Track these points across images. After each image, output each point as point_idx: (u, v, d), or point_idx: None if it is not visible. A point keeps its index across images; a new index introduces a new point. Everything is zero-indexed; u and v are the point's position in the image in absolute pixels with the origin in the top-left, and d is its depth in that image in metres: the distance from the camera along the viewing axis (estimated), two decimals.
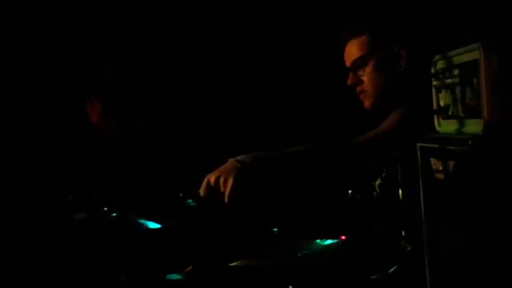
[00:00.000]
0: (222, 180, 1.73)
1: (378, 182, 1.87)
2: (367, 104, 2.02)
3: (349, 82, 2.04)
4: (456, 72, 1.42)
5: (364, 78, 2.01)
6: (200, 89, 2.65)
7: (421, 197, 1.52)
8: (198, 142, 2.43)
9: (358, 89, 2.03)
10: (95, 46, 2.55)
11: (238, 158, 1.77)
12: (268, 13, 2.68)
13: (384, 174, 1.88)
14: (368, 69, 2.00)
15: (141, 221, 1.78)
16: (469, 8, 2.19)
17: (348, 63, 2.05)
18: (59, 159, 2.42)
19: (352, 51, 2.03)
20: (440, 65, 1.49)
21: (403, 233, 1.67)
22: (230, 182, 1.71)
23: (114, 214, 1.77)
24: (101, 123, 2.38)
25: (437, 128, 1.51)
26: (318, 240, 1.86)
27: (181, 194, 1.76)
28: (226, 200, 1.71)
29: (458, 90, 1.42)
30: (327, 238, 1.87)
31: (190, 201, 1.77)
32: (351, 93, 2.04)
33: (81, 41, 2.53)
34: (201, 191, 1.74)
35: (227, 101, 2.66)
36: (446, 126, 1.48)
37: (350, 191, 1.79)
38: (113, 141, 2.39)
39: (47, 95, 2.54)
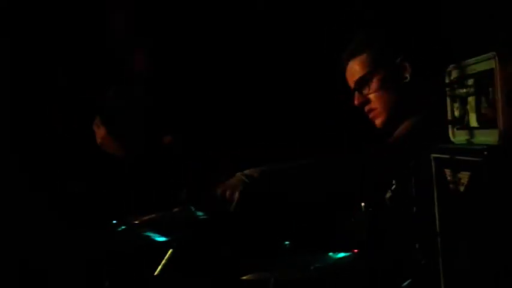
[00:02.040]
0: (228, 194, 1.74)
1: (388, 195, 1.87)
2: (378, 122, 2.02)
3: (356, 103, 2.04)
4: (471, 81, 1.42)
5: (371, 96, 2.01)
6: (202, 97, 2.66)
7: (436, 209, 1.52)
8: (203, 153, 2.43)
9: (367, 108, 2.03)
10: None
11: (245, 172, 1.78)
12: (268, 13, 2.69)
13: (393, 187, 1.88)
14: (373, 86, 2.00)
15: (149, 234, 1.79)
16: (473, 13, 2.19)
17: (351, 83, 2.05)
18: (58, 160, 2.45)
19: (354, 70, 2.03)
20: (455, 74, 1.49)
21: (417, 246, 1.66)
22: (236, 196, 1.73)
23: (122, 227, 1.78)
24: (105, 145, 2.40)
25: (452, 139, 1.52)
26: (331, 253, 1.87)
27: (192, 208, 1.76)
28: (232, 210, 1.73)
29: (473, 100, 1.42)
30: (340, 251, 1.87)
31: (201, 214, 1.77)
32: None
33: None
34: (208, 202, 1.77)
35: (227, 105, 2.67)
36: (460, 137, 1.49)
37: (363, 204, 1.79)
38: (117, 163, 2.42)
39: (47, 94, 2.56)
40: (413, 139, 1.83)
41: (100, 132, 2.37)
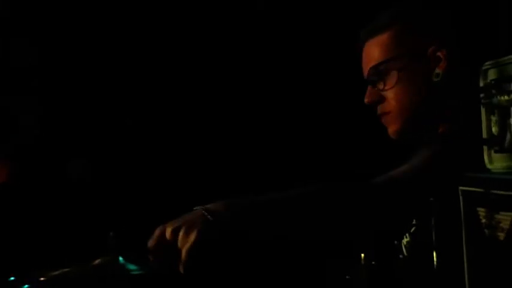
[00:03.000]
0: (182, 232, 1.35)
1: (405, 240, 1.54)
2: (392, 130, 1.67)
3: (366, 99, 1.70)
4: None
5: (388, 93, 1.65)
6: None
7: (465, 261, 1.25)
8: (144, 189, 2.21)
9: (380, 109, 1.68)
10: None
11: (207, 206, 1.39)
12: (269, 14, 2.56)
13: (413, 229, 1.55)
14: (392, 80, 1.64)
15: None
16: None
17: (365, 72, 1.71)
18: None
19: (372, 54, 1.68)
20: (493, 75, 1.23)
21: None
22: (193, 237, 1.32)
23: (25, 286, 1.45)
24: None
25: (488, 165, 1.26)
26: None
27: (121, 258, 1.41)
28: (183, 259, 1.33)
29: None
30: None
31: (134, 267, 1.42)
32: (367, 111, 1.71)
33: None
34: (151, 243, 1.38)
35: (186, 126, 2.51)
36: (500, 163, 1.24)
37: (363, 255, 1.45)
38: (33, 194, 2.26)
39: None
40: (438, 172, 1.49)
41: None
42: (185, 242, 1.33)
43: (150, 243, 1.36)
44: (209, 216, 1.34)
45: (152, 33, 2.59)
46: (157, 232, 1.37)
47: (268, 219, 1.41)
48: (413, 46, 1.64)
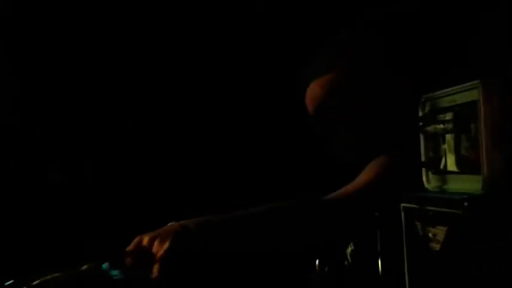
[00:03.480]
0: (157, 242, 1.54)
1: (349, 249, 1.67)
2: (346, 158, 1.78)
3: (316, 131, 1.82)
4: (449, 115, 1.28)
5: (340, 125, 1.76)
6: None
7: (405, 271, 1.37)
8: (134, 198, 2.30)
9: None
10: None
11: (181, 222, 1.60)
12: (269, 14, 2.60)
13: (356, 240, 1.67)
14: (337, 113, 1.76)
15: None
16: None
17: (310, 109, 1.81)
18: None
19: (315, 93, 1.78)
20: (429, 106, 1.35)
21: None
22: (166, 245, 1.52)
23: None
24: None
25: (426, 185, 1.37)
26: None
27: (104, 265, 1.55)
28: (157, 267, 1.51)
29: (451, 138, 1.29)
30: None
31: (116, 273, 1.56)
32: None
33: None
34: (130, 248, 1.56)
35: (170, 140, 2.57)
36: (436, 183, 1.35)
37: (317, 262, 1.59)
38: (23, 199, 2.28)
39: None
40: (382, 189, 1.62)
41: None
42: (159, 249, 1.53)
43: (129, 248, 1.55)
44: (180, 230, 1.53)
45: (152, 32, 2.61)
46: (136, 239, 1.57)
47: (226, 235, 1.62)
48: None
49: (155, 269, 1.52)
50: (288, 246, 1.65)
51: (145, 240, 1.55)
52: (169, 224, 1.60)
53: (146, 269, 1.52)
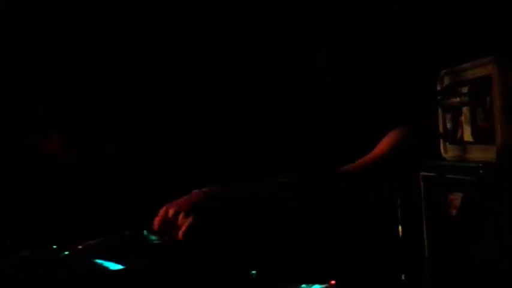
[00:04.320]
0: (181, 216, 1.61)
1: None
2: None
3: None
4: (465, 89, 1.35)
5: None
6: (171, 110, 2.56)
7: (424, 235, 1.44)
8: (166, 171, 2.34)
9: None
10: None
11: (204, 190, 1.65)
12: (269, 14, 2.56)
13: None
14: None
15: (99, 261, 1.67)
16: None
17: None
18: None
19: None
20: (447, 81, 1.41)
21: (403, 277, 1.57)
22: (189, 220, 1.59)
23: (65, 253, 1.66)
24: (60, 153, 2.30)
25: (443, 155, 1.44)
26: (304, 285, 1.77)
27: (145, 231, 1.65)
28: (182, 233, 1.60)
29: (467, 110, 1.35)
30: (314, 282, 1.77)
31: (155, 238, 1.65)
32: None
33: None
34: (155, 222, 1.64)
35: (199, 122, 2.55)
36: (453, 152, 1.41)
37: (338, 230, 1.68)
38: (72, 172, 2.31)
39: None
40: (401, 159, 1.71)
41: (52, 141, 2.27)
42: (183, 223, 1.60)
43: (156, 218, 1.64)
44: (204, 201, 1.60)
45: (152, 31, 2.53)
46: (162, 210, 1.64)
47: (259, 203, 1.66)
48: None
49: (180, 237, 1.60)
50: (316, 218, 1.72)
51: (171, 212, 1.62)
52: (193, 191, 1.65)
53: (172, 237, 1.61)
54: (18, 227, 1.95)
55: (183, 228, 1.60)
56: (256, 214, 1.69)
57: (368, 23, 2.03)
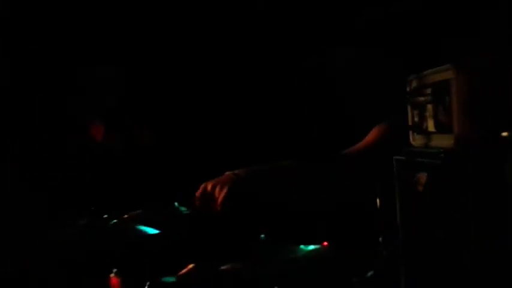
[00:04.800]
0: (217, 189, 1.71)
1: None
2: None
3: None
4: (429, 90, 1.37)
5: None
6: (196, 103, 2.56)
7: (397, 206, 1.48)
8: (195, 155, 2.38)
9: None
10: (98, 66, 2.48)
11: (234, 171, 1.77)
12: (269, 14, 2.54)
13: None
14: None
15: (140, 227, 1.74)
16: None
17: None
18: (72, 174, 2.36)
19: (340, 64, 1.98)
20: (415, 84, 1.44)
21: (380, 239, 1.61)
22: (224, 191, 1.70)
23: (114, 221, 1.73)
24: (105, 140, 2.35)
25: (412, 142, 1.47)
26: (302, 246, 1.82)
27: (176, 203, 1.72)
28: (218, 206, 1.70)
29: (431, 107, 1.38)
30: (310, 244, 1.82)
31: (184, 209, 1.73)
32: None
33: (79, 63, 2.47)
34: (197, 195, 1.73)
35: (222, 116, 2.56)
36: (420, 141, 1.44)
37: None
38: (117, 156, 2.35)
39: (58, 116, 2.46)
40: (384, 146, 1.76)
41: (99, 129, 2.30)
42: (220, 194, 1.70)
43: (197, 192, 1.73)
44: (234, 178, 1.70)
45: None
46: (202, 186, 1.74)
47: (273, 181, 1.76)
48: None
49: (217, 207, 1.69)
50: (316, 192, 1.79)
51: (209, 186, 1.73)
52: (225, 173, 1.76)
53: (210, 208, 1.70)
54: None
55: (220, 198, 1.71)
56: (272, 186, 1.79)
57: (368, 23, 2.04)
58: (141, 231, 1.74)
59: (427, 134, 1.40)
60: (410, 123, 1.46)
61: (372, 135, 1.83)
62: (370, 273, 1.67)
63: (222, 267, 1.69)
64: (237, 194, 1.71)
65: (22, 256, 1.93)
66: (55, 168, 2.31)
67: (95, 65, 2.45)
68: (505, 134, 1.21)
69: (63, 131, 2.38)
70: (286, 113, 2.55)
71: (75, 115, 2.37)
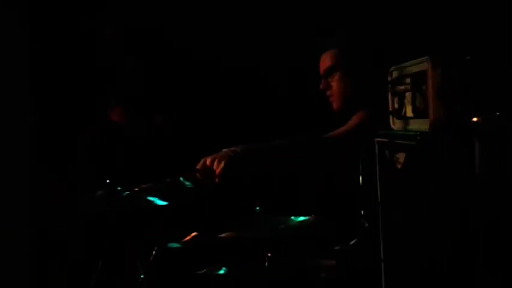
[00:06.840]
0: (216, 162, 1.76)
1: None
2: (335, 106, 2.00)
3: (321, 87, 2.02)
4: (408, 80, 1.41)
5: (333, 84, 1.99)
6: (204, 93, 2.61)
7: (378, 183, 1.51)
8: (200, 141, 2.41)
9: (328, 93, 2.01)
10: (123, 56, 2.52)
11: (231, 148, 1.80)
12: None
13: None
14: (336, 76, 1.98)
15: (150, 198, 1.79)
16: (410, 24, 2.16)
17: (321, 71, 2.03)
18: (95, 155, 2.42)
19: (325, 61, 2.01)
20: (395, 74, 1.48)
21: (362, 212, 1.66)
22: (222, 165, 1.74)
23: (126, 192, 1.78)
24: (127, 125, 2.39)
25: (392, 126, 1.51)
26: (293, 217, 1.87)
27: (181, 178, 1.77)
28: (216, 178, 1.74)
29: (409, 95, 1.41)
30: (301, 215, 1.87)
31: (189, 183, 1.77)
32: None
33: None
34: (198, 167, 1.77)
35: (227, 104, 2.62)
36: (399, 125, 1.48)
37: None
38: (136, 139, 2.40)
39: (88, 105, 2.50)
40: (365, 129, 1.81)
41: (121, 115, 2.34)
42: (218, 166, 1.75)
43: (198, 166, 1.77)
44: (231, 153, 1.75)
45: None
46: (202, 161, 1.79)
47: (264, 157, 1.81)
48: (346, 60, 1.97)
49: (216, 179, 1.74)
50: (304, 169, 1.84)
51: (208, 161, 1.77)
52: (223, 150, 1.80)
53: (210, 179, 1.74)
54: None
55: (218, 171, 1.75)
56: (265, 161, 1.83)
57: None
58: (150, 201, 1.79)
59: (405, 118, 1.43)
60: (390, 109, 1.49)
61: (354, 119, 1.89)
62: (352, 242, 1.72)
63: (222, 235, 1.74)
64: (233, 167, 1.75)
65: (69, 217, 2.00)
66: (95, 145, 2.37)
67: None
68: (474, 119, 1.24)
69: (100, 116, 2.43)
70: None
71: (107, 101, 2.42)
